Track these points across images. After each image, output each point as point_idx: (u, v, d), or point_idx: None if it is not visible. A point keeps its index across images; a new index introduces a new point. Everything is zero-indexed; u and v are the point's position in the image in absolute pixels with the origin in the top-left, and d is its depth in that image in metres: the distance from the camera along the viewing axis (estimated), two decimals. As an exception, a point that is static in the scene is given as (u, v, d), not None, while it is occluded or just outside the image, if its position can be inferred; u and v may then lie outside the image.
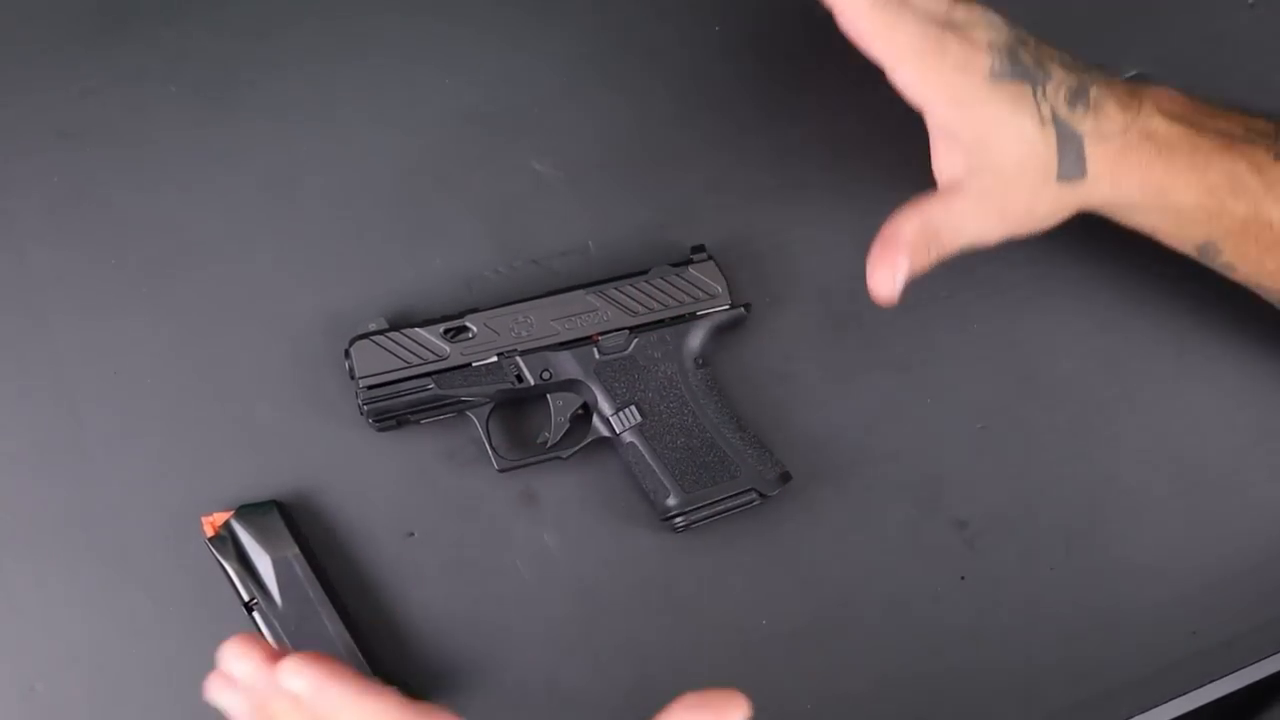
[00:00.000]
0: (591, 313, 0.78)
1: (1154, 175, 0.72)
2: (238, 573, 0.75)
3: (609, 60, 0.85)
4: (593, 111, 0.84)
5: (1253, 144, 0.72)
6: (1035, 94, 0.71)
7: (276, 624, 0.75)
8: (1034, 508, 0.81)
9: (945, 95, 0.71)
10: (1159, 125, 0.72)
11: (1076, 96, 0.71)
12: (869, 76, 0.83)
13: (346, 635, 0.75)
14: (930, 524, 0.81)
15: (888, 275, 0.72)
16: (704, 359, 0.79)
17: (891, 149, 0.83)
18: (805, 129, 0.84)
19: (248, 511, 0.77)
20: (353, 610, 0.78)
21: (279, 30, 0.84)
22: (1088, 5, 0.86)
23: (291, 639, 0.75)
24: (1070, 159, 0.71)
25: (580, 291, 0.78)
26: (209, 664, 0.77)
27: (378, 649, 0.78)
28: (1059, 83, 0.71)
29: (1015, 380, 0.83)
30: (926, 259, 0.73)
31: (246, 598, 0.75)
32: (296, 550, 0.76)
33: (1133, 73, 0.84)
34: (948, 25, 0.71)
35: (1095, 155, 0.71)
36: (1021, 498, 0.81)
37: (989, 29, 0.71)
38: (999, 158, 0.72)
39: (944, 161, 0.74)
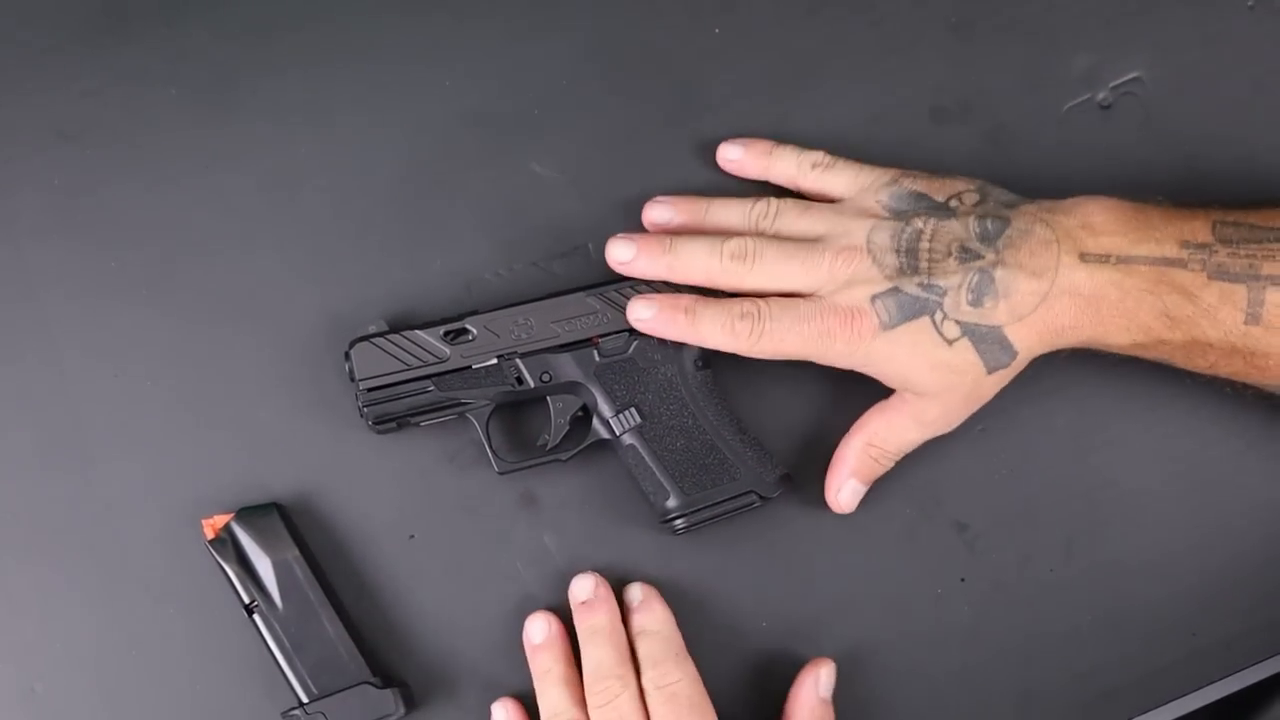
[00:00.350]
0: (591, 315, 0.78)
1: (1084, 328, 0.72)
2: (238, 575, 0.75)
3: (609, 60, 0.85)
4: (593, 112, 0.84)
5: (1184, 266, 0.71)
6: (934, 320, 0.72)
7: (277, 626, 0.75)
8: (1033, 509, 0.81)
9: (850, 364, 0.75)
10: (1080, 279, 0.71)
11: (981, 293, 0.72)
12: (867, 78, 0.83)
13: (346, 637, 0.75)
14: (930, 526, 0.81)
15: (833, 492, 0.78)
16: (704, 361, 0.79)
17: (889, 151, 0.83)
18: (805, 129, 0.84)
19: (248, 514, 0.77)
20: (353, 612, 0.78)
21: (279, 31, 0.83)
22: (1088, 5, 0.86)
23: (292, 641, 0.75)
24: (993, 352, 0.73)
25: (580, 294, 0.78)
26: (209, 664, 0.77)
27: (378, 651, 0.78)
28: (958, 288, 0.72)
29: (1014, 382, 0.82)
30: (876, 468, 0.78)
31: (247, 600, 0.75)
32: (297, 552, 0.76)
33: (1133, 75, 0.84)
34: (824, 302, 0.73)
35: (1019, 334, 0.72)
36: (1021, 499, 0.81)
37: (867, 277, 0.73)
38: (921, 386, 0.74)
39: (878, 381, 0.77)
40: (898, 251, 0.73)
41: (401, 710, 0.75)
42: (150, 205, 0.82)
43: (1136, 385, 0.82)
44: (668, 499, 0.77)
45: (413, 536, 0.79)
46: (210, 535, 0.76)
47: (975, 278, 0.71)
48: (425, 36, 0.84)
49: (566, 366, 0.77)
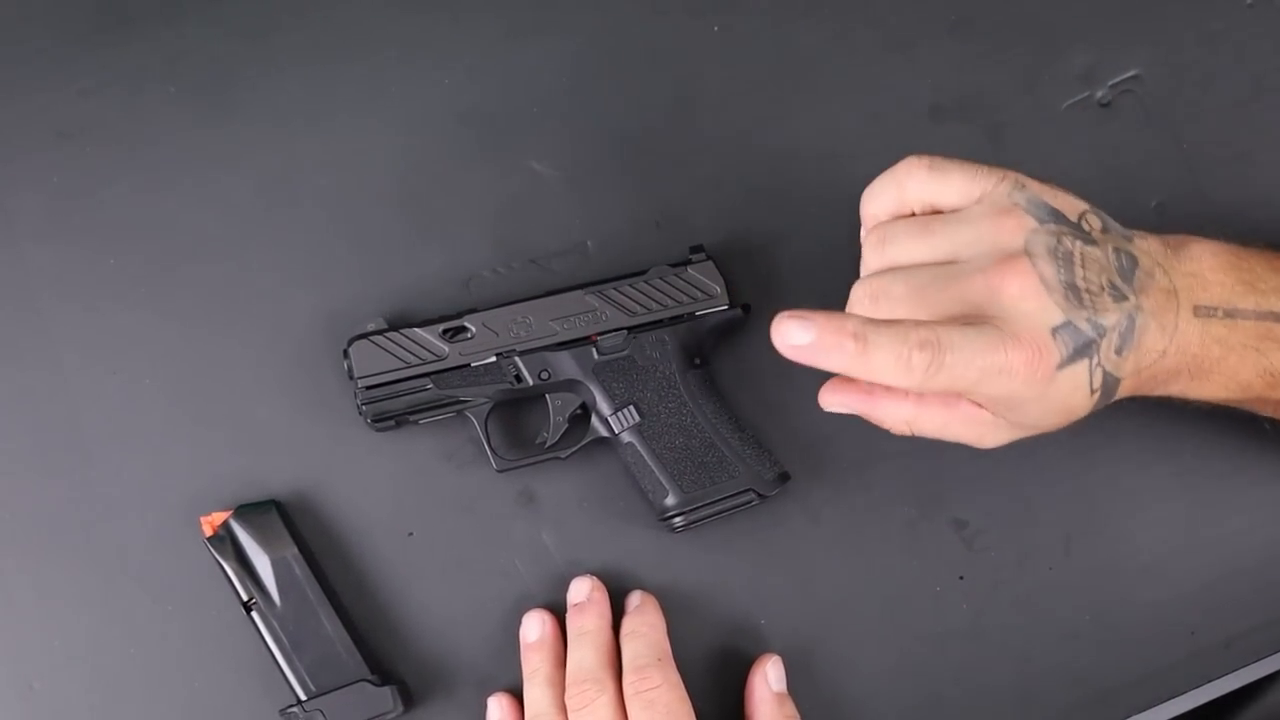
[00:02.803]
0: (590, 313, 0.78)
1: (1180, 383, 0.67)
2: (236, 573, 0.75)
3: (608, 59, 0.85)
4: (593, 111, 0.84)
5: None
6: (1091, 364, 0.63)
7: (275, 624, 0.75)
8: (1033, 507, 0.81)
9: (1010, 404, 0.65)
10: (1192, 337, 0.65)
11: (1125, 340, 0.64)
12: (867, 77, 0.83)
13: (345, 635, 0.75)
14: (929, 524, 0.81)
15: (829, 391, 0.69)
16: (702, 359, 0.79)
17: (891, 149, 0.83)
18: (804, 129, 0.84)
19: (246, 511, 0.77)
20: (351, 610, 0.78)
21: (278, 30, 0.84)
22: (1087, 3, 0.86)
23: (290, 639, 0.75)
24: (1104, 399, 0.66)
25: (579, 292, 0.78)
26: (207, 662, 0.77)
27: (376, 649, 0.78)
28: (1111, 330, 0.63)
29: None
30: (898, 426, 0.69)
31: (245, 598, 0.75)
32: (295, 550, 0.76)
33: (1132, 73, 0.84)
34: (1006, 331, 0.62)
35: (1126, 387, 0.66)
36: (1021, 497, 0.81)
37: (1040, 302, 0.62)
38: (1038, 422, 0.66)
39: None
40: (1058, 271, 0.63)
41: (399, 708, 0.75)
42: (149, 204, 0.82)
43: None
44: (666, 497, 0.77)
45: (411, 534, 0.79)
46: (209, 533, 0.76)
47: (1125, 323, 0.64)
48: (424, 35, 0.84)
49: (565, 364, 0.77)
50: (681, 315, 0.78)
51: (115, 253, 0.81)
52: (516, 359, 0.77)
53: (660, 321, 0.78)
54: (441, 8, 0.84)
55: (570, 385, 0.78)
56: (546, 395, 0.79)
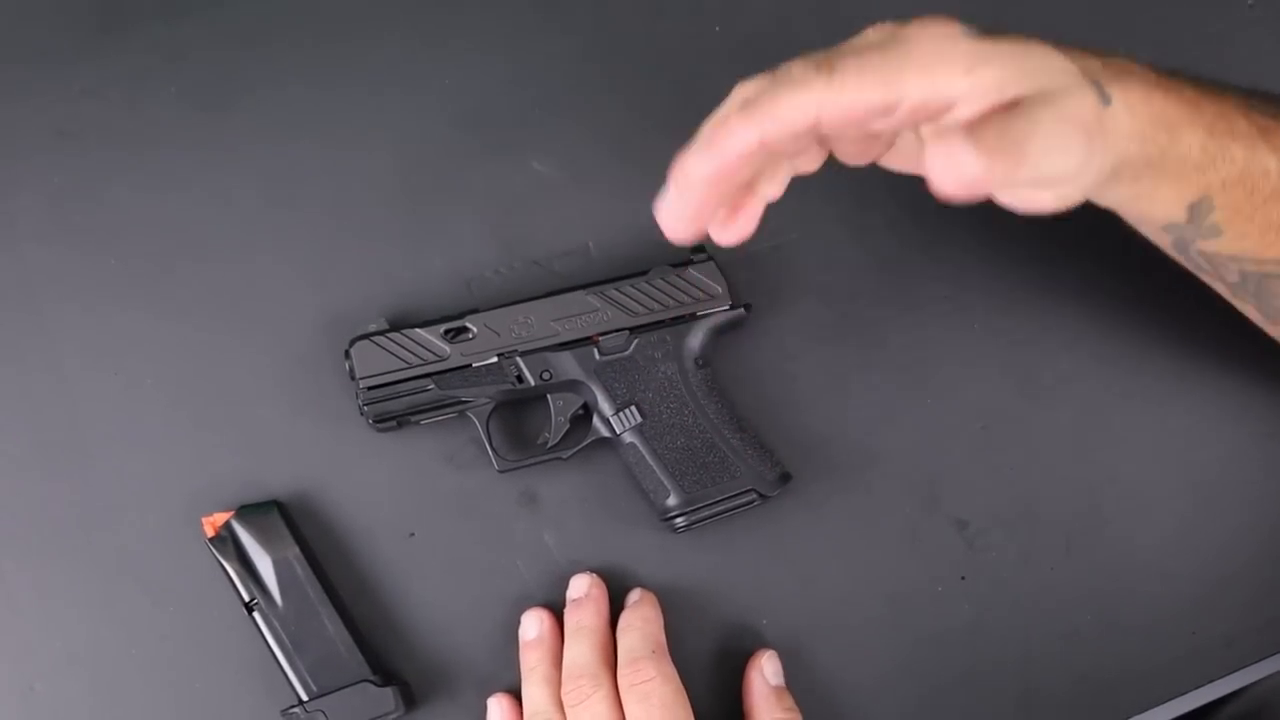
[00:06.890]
0: (592, 313, 0.78)
1: (1157, 106, 0.62)
2: (238, 573, 0.75)
3: (609, 60, 0.85)
4: (593, 111, 0.84)
5: (1226, 92, 0.66)
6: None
7: (277, 624, 0.75)
8: (1034, 508, 0.81)
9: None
10: (1136, 66, 0.63)
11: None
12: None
13: (346, 635, 0.75)
14: (930, 524, 0.81)
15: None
16: (704, 359, 0.79)
17: (891, 149, 0.83)
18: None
19: (248, 512, 0.76)
20: (353, 610, 0.78)
21: (278, 30, 0.84)
22: (1088, 5, 0.86)
23: (291, 639, 0.75)
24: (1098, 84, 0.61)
25: (580, 292, 0.78)
26: (209, 662, 0.77)
27: (378, 649, 0.78)
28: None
29: (1015, 380, 0.83)
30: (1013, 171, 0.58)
31: (247, 598, 0.75)
32: (297, 550, 0.76)
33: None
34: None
35: (1110, 83, 0.61)
36: (1021, 497, 0.81)
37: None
38: (1044, 79, 0.61)
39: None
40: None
41: (401, 708, 0.74)
42: (149, 204, 0.82)
43: (1138, 382, 0.82)
44: (668, 497, 0.77)
45: (413, 534, 0.79)
46: (210, 533, 0.76)
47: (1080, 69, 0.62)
48: (426, 34, 0.84)
49: (567, 364, 0.77)
50: (683, 315, 0.78)
51: (115, 253, 0.81)
52: (518, 359, 0.77)
53: (662, 322, 0.78)
54: (441, 8, 0.84)
55: (572, 385, 0.78)
56: (548, 395, 0.79)
